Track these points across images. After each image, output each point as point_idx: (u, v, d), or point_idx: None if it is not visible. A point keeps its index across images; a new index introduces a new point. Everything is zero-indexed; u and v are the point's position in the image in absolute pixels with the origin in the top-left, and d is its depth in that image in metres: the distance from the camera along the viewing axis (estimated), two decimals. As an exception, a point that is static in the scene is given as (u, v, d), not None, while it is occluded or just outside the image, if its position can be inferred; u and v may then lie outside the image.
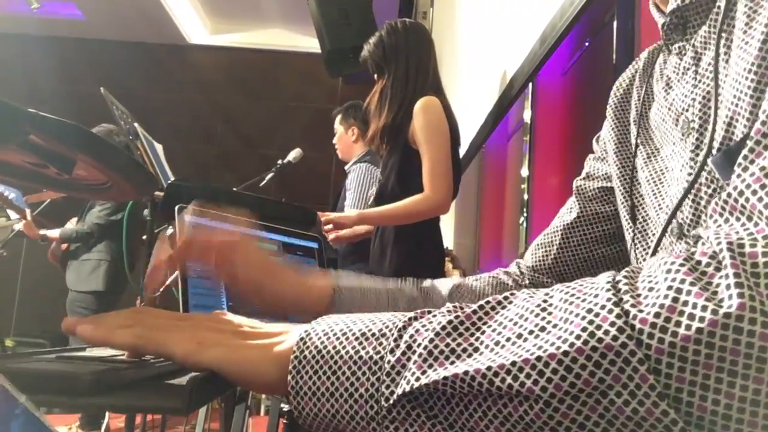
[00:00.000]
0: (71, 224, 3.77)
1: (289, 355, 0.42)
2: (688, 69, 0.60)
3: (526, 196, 3.15)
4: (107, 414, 3.23)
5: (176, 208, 0.90)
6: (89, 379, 0.41)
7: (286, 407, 0.94)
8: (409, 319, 0.41)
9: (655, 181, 0.68)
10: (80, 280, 3.55)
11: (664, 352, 0.32)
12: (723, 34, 0.52)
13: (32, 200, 3.30)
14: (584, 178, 0.88)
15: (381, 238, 2.10)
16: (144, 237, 1.99)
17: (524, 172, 3.21)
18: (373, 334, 0.41)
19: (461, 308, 0.40)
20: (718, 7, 0.54)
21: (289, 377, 0.41)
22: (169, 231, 2.13)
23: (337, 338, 0.41)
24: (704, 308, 0.32)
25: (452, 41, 4.13)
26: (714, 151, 0.51)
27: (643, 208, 0.70)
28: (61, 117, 0.57)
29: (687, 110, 0.59)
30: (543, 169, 3.09)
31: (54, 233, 3.61)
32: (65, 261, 3.67)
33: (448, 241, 4.45)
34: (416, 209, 1.95)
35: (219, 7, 6.68)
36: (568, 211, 0.88)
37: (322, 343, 0.41)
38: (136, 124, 1.96)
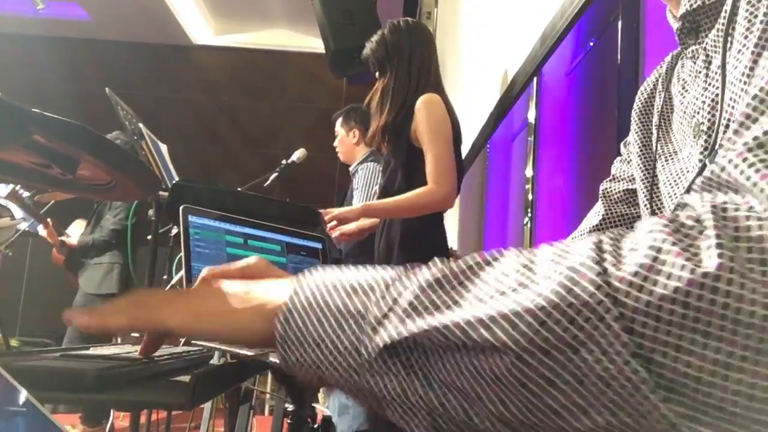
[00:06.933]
0: (76, 226, 3.78)
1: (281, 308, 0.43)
2: (700, 72, 0.61)
3: (530, 197, 3.14)
4: (111, 413, 3.24)
5: (181, 208, 0.91)
6: (94, 376, 0.41)
7: (290, 407, 0.94)
8: (398, 274, 0.41)
9: (672, 184, 0.68)
10: (94, 284, 3.57)
11: (638, 311, 0.31)
12: (729, 38, 0.52)
13: (44, 200, 3.28)
14: (610, 181, 0.88)
15: (387, 237, 2.09)
16: (149, 237, 1.99)
17: (528, 172, 3.20)
18: (362, 288, 0.41)
19: (450, 264, 0.40)
20: (725, 11, 0.54)
21: (278, 326, 0.42)
22: (174, 231, 2.13)
23: (327, 290, 0.42)
24: (682, 267, 0.31)
25: (456, 41, 4.13)
26: None
27: (661, 211, 0.71)
28: (65, 117, 0.58)
29: (698, 113, 0.60)
30: (547, 170, 3.09)
31: (72, 241, 3.63)
32: (72, 263, 3.69)
33: (452, 240, 4.45)
34: (421, 202, 1.94)
35: (224, 7, 6.69)
36: (596, 215, 0.89)
37: (312, 294, 0.42)
38: (141, 125, 1.97)
